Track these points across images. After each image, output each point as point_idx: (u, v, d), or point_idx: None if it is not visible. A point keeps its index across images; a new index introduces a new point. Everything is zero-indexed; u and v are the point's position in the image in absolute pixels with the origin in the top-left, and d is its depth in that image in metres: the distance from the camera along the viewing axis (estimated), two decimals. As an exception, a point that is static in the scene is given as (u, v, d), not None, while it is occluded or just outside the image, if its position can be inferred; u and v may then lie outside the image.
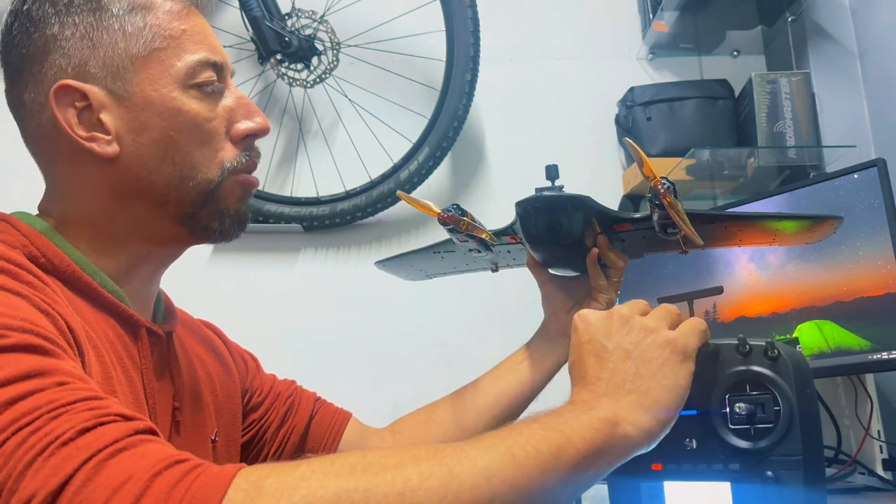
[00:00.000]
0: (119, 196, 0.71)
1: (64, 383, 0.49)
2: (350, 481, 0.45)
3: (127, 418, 0.48)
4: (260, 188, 1.60)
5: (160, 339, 0.74)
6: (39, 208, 0.74)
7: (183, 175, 0.71)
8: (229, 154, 0.73)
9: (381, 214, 1.60)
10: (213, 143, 0.72)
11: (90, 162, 0.69)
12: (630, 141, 0.79)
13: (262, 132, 0.76)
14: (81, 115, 0.68)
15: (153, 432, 0.48)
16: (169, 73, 0.70)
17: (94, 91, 0.68)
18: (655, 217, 0.81)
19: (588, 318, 0.66)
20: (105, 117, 0.69)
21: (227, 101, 0.74)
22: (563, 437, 0.53)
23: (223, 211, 0.74)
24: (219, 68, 0.73)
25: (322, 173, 1.65)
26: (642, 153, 0.76)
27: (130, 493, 0.42)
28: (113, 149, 0.69)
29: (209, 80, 0.72)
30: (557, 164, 0.87)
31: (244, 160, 0.74)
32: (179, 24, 0.72)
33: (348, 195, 1.60)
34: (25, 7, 0.69)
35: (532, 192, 0.85)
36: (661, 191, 0.77)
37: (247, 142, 0.75)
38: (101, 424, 0.46)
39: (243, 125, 0.74)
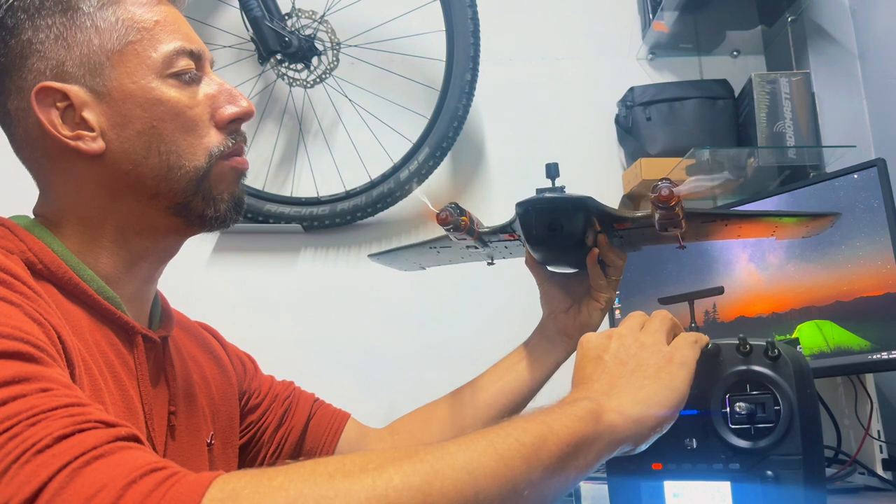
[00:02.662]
0: (110, 192, 0.71)
1: (47, 389, 0.48)
2: (329, 489, 0.43)
3: (108, 425, 0.47)
4: (260, 188, 1.61)
5: (156, 345, 0.74)
6: (35, 213, 0.73)
7: (170, 164, 0.71)
8: (215, 140, 0.73)
9: (381, 214, 1.60)
10: (197, 130, 0.72)
11: (78, 161, 0.70)
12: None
13: (246, 115, 0.76)
14: (65, 114, 0.69)
15: (135, 439, 0.47)
16: (145, 64, 0.70)
17: (73, 90, 0.68)
18: (657, 216, 0.82)
19: (590, 337, 0.69)
20: (88, 114, 0.69)
21: (208, 88, 0.75)
22: (546, 427, 0.53)
23: (217, 197, 0.74)
24: (196, 57, 0.73)
25: (322, 173, 1.65)
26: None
27: (103, 502, 0.41)
28: (98, 145, 0.69)
29: (187, 68, 0.72)
30: (558, 163, 0.87)
31: (230, 144, 0.74)
32: (151, 15, 0.72)
33: (348, 195, 1.60)
34: (15, 17, 0.69)
35: (532, 192, 0.85)
36: (667, 194, 0.77)
37: (232, 126, 0.75)
38: (80, 431, 0.45)
39: (227, 110, 0.75)
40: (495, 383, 0.96)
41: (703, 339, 0.68)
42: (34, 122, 0.69)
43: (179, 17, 0.75)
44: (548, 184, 0.86)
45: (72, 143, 0.68)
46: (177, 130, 0.71)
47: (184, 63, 0.72)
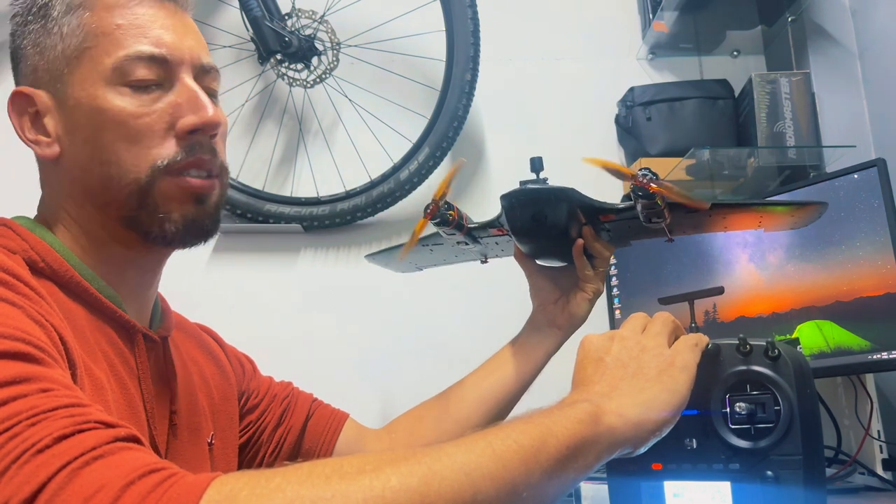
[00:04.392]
0: (74, 198, 0.71)
1: (48, 390, 0.48)
2: (327, 489, 0.44)
3: (108, 425, 0.47)
4: (260, 188, 1.60)
5: (156, 344, 0.74)
6: (38, 211, 0.75)
7: (110, 175, 0.68)
8: (164, 151, 0.69)
9: (380, 214, 1.60)
10: (143, 141, 0.68)
11: (45, 166, 0.73)
12: (590, 159, 0.78)
13: (206, 126, 0.70)
14: (35, 119, 0.71)
15: (135, 439, 0.47)
16: (97, 70, 0.68)
17: (40, 95, 0.70)
18: (639, 207, 0.82)
19: (591, 339, 0.68)
20: (47, 121, 0.70)
21: (173, 96, 0.70)
22: (545, 430, 0.53)
23: (162, 215, 0.69)
24: (160, 61, 0.69)
25: (322, 173, 1.65)
26: (607, 164, 0.78)
27: (102, 503, 0.41)
28: (52, 150, 0.70)
29: (142, 77, 0.68)
30: (542, 157, 0.87)
31: (179, 157, 0.69)
32: (115, 18, 0.69)
33: (348, 195, 1.60)
34: (11, 24, 0.74)
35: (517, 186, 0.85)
36: (644, 181, 0.78)
37: (190, 138, 0.70)
38: (80, 431, 0.45)
39: (186, 120, 0.69)
40: (487, 378, 0.96)
41: (704, 340, 0.68)
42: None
43: (155, 20, 0.70)
44: (532, 177, 0.86)
45: (32, 146, 0.71)
46: (118, 140, 0.68)
47: (140, 69, 0.68)
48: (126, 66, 0.68)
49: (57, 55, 0.69)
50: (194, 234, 0.71)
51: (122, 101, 0.68)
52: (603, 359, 0.65)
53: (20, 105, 0.70)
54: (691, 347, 0.66)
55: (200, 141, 0.70)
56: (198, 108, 0.70)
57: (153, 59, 0.69)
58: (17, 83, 0.72)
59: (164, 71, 0.70)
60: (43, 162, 0.73)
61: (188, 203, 0.70)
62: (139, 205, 0.69)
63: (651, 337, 0.67)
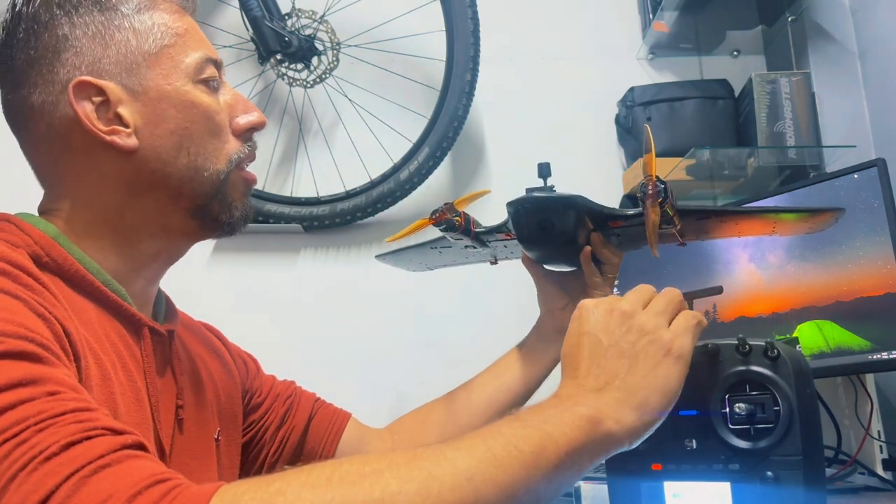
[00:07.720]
0: (132, 190, 0.72)
1: (55, 393, 0.48)
2: (327, 492, 0.44)
3: (115, 432, 0.47)
4: (260, 188, 1.60)
5: (162, 338, 0.75)
6: (40, 210, 0.73)
7: (197, 166, 0.73)
8: (234, 146, 0.76)
9: (381, 214, 1.60)
10: (221, 136, 0.75)
11: (105, 157, 0.70)
12: (648, 131, 0.79)
13: (260, 125, 0.79)
14: (98, 110, 0.70)
15: (141, 447, 0.48)
16: (179, 68, 0.73)
17: (110, 86, 0.70)
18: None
19: (590, 308, 0.66)
20: (123, 111, 0.70)
21: (226, 96, 0.77)
22: (545, 436, 0.53)
23: (231, 203, 0.76)
24: (217, 65, 0.77)
25: (322, 173, 1.65)
26: (652, 153, 0.77)
27: None
28: (133, 141, 0.70)
29: (213, 76, 0.75)
30: (550, 163, 0.87)
31: (246, 151, 0.77)
32: (181, 23, 0.75)
33: (348, 195, 1.60)
34: (30, 10, 0.70)
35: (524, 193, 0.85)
36: (650, 191, 0.78)
37: (246, 135, 0.78)
38: (88, 439, 0.46)
39: (244, 119, 0.77)
40: (493, 383, 0.96)
41: (704, 320, 0.66)
42: (63, 115, 0.69)
43: (198, 27, 0.78)
44: (539, 183, 0.86)
45: (107, 137, 0.69)
46: (206, 134, 0.74)
47: (210, 71, 0.75)
48: (202, 66, 0.75)
49: (131, 49, 0.71)
50: (245, 220, 0.79)
51: (206, 98, 0.74)
52: (600, 340, 0.63)
53: (83, 95, 0.69)
54: (690, 328, 0.64)
55: (251, 137, 0.79)
56: (250, 109, 0.79)
57: (216, 63, 0.76)
58: (53, 73, 0.69)
59: (218, 74, 0.77)
60: (93, 154, 0.70)
61: (245, 194, 0.78)
62: (213, 194, 0.74)
63: (653, 315, 0.64)
